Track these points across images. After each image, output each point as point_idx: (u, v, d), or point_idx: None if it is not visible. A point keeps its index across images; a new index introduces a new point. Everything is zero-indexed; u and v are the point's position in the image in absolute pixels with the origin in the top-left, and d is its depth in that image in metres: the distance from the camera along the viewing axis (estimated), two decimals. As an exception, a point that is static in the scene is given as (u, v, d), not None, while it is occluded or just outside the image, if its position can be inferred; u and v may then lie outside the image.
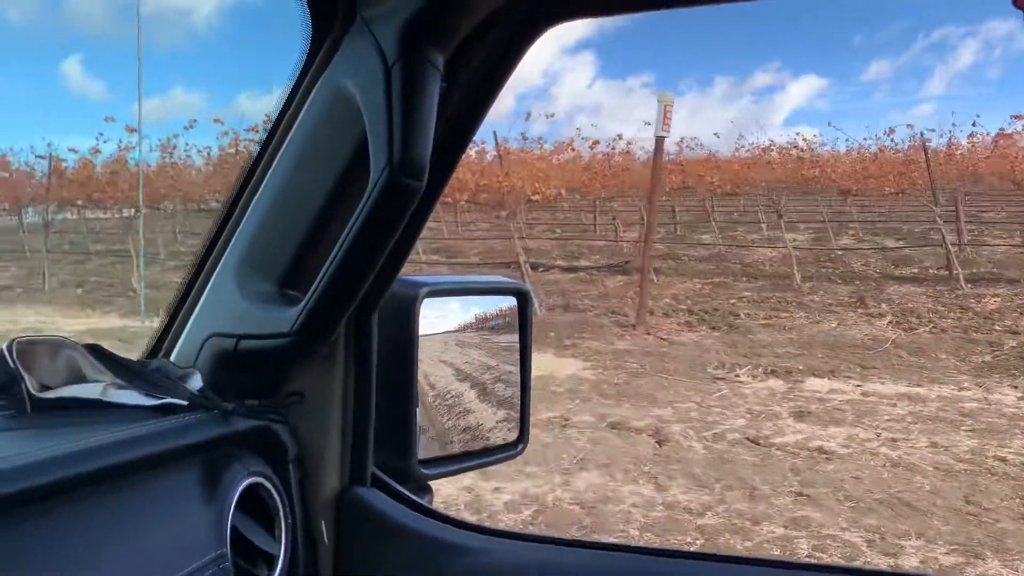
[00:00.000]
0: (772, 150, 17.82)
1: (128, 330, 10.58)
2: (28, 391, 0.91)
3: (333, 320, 1.01)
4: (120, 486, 0.82)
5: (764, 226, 22.02)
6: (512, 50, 0.95)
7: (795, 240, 19.35)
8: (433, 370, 1.19)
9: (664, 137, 9.36)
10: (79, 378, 0.96)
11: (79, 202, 15.75)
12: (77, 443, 0.79)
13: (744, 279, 14.10)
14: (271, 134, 1.06)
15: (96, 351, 0.97)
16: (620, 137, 18.17)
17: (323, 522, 1.08)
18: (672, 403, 6.99)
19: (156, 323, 1.19)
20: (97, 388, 0.94)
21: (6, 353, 0.91)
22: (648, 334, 9.47)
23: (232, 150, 12.57)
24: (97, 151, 14.32)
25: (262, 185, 1.06)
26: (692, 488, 5.23)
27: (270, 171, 1.05)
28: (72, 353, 0.96)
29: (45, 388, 0.93)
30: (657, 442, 6.08)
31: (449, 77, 0.92)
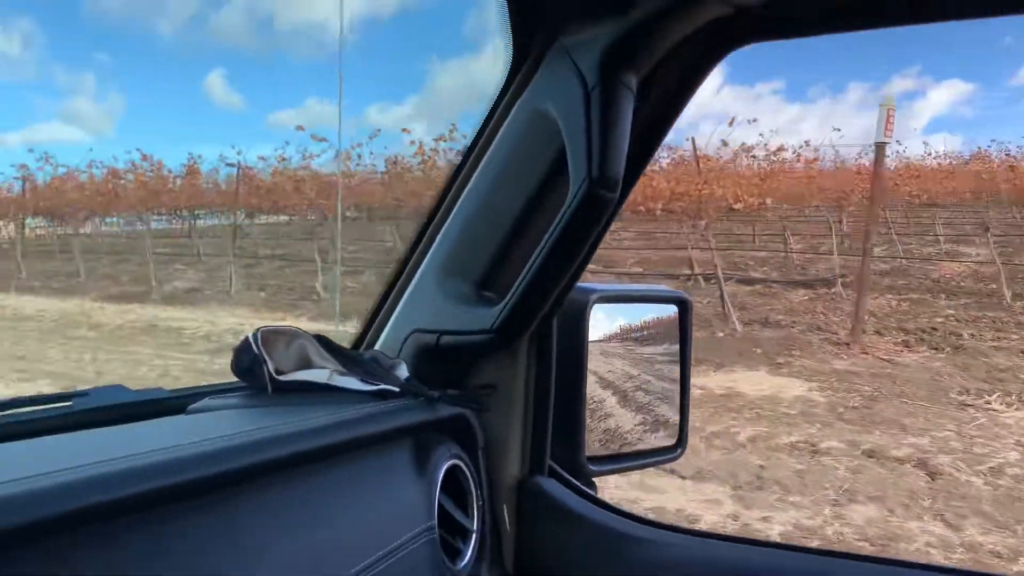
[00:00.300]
0: (977, 159, 16.53)
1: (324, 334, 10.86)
2: (269, 374, 1.02)
3: (529, 319, 1.07)
4: (344, 460, 0.90)
5: (941, 239, 20.64)
6: (700, 70, 0.98)
7: (977, 255, 18.01)
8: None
9: (886, 143, 8.77)
10: (307, 364, 1.05)
11: (264, 208, 16.51)
12: (311, 420, 0.87)
13: (942, 296, 13.13)
14: (472, 146, 1.12)
15: (323, 341, 1.08)
16: (807, 143, 17.33)
17: (505, 507, 1.15)
18: (926, 431, 6.44)
19: (347, 328, 1.17)
20: (324, 373, 1.04)
21: (251, 340, 1.02)
22: (865, 353, 8.88)
23: (418, 158, 12.83)
24: (283, 158, 14.97)
25: (463, 195, 1.12)
26: (990, 529, 4.74)
27: (471, 182, 1.11)
28: (303, 342, 1.06)
29: (279, 372, 1.03)
30: (928, 474, 5.59)
31: (640, 96, 0.95)
